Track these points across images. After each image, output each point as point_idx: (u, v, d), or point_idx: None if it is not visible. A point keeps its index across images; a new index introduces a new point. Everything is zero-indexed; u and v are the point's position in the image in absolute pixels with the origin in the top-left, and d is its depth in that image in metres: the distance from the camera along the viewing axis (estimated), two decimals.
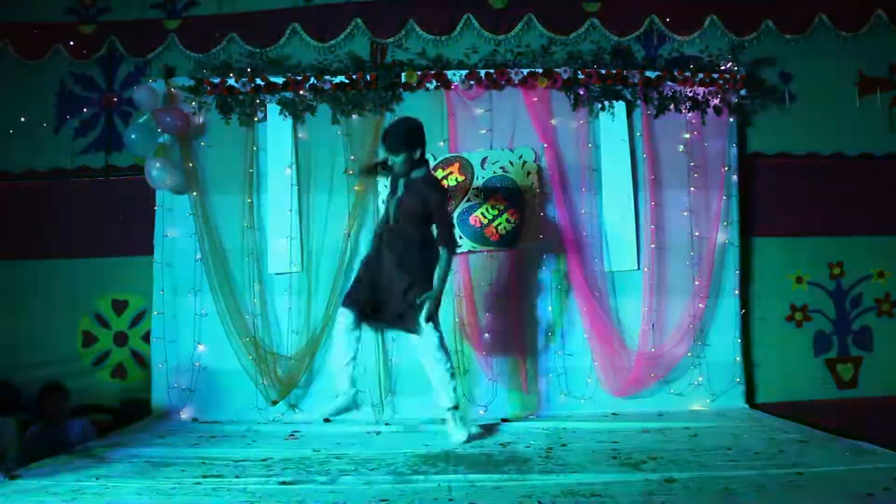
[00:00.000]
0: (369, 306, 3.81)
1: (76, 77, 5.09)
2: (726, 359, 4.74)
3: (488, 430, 4.06)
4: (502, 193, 4.73)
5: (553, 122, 4.82)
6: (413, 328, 3.75)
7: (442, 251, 3.78)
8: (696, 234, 4.80)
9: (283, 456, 3.60)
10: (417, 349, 3.87)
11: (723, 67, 4.84)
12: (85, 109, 5.07)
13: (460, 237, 4.70)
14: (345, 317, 3.76)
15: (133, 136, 4.66)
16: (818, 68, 5.00)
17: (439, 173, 4.74)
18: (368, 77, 4.75)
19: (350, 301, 3.81)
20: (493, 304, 4.69)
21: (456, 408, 3.86)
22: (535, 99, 4.81)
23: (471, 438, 3.80)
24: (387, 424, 4.40)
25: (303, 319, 4.66)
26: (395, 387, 4.64)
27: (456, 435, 3.78)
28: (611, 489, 2.85)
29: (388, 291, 3.78)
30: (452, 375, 3.88)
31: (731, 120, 4.88)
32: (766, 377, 4.86)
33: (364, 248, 4.70)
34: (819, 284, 4.98)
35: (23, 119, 5.07)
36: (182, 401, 4.68)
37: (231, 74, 4.80)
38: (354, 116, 4.80)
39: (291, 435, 4.20)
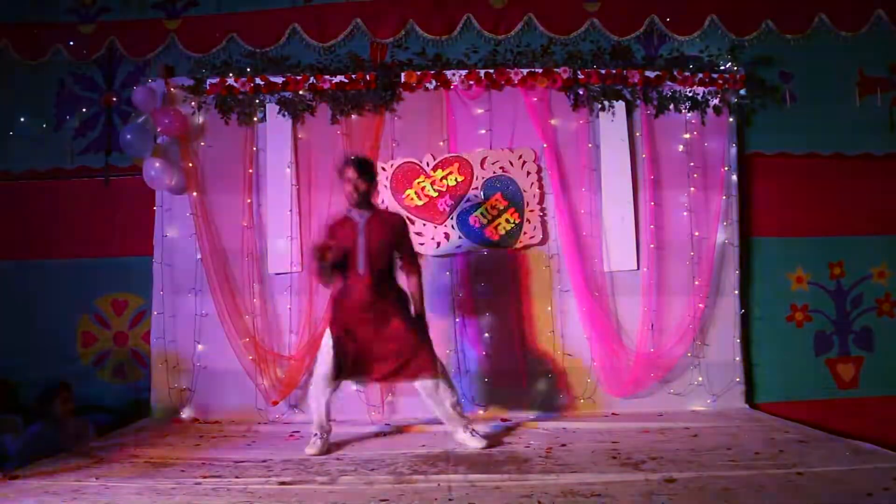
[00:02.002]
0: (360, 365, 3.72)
1: (76, 77, 5.09)
2: (726, 359, 4.74)
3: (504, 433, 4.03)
4: (502, 193, 4.73)
5: (553, 122, 4.82)
6: (429, 371, 3.68)
7: (415, 276, 3.86)
8: (696, 234, 4.80)
9: (283, 456, 3.60)
10: (424, 388, 3.74)
11: (723, 67, 4.85)
12: (85, 109, 5.07)
13: (460, 237, 4.71)
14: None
15: (129, 137, 4.66)
16: (818, 68, 5.00)
17: (439, 173, 4.75)
18: (368, 77, 4.75)
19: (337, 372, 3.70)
20: (494, 304, 4.69)
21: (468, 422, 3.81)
22: (535, 99, 4.81)
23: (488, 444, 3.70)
24: (387, 424, 4.40)
25: (303, 319, 4.66)
26: (396, 387, 4.64)
27: (474, 444, 3.70)
28: (611, 489, 2.86)
29: (385, 340, 3.68)
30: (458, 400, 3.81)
31: (731, 120, 4.88)
32: (766, 377, 4.86)
33: None
34: (819, 284, 4.98)
35: (23, 119, 5.07)
36: (182, 401, 4.68)
37: (231, 74, 4.80)
38: (354, 116, 4.80)
39: (291, 435, 4.20)
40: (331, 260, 3.64)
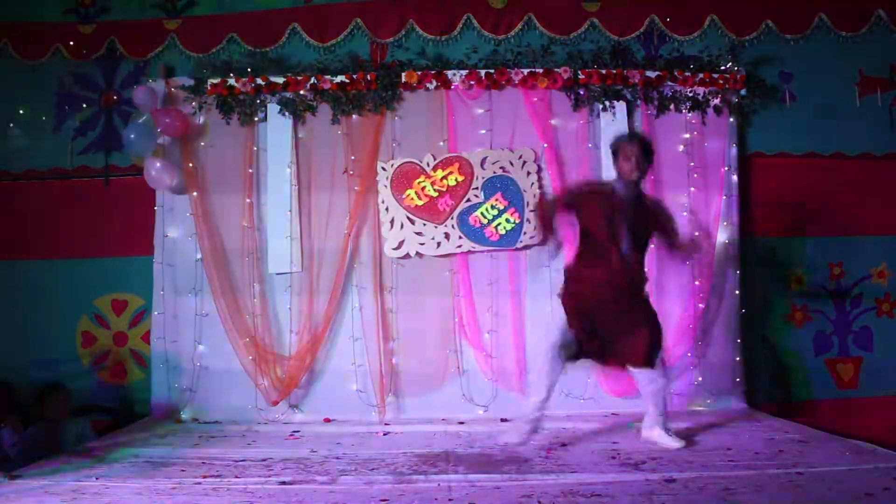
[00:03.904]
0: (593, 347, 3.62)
1: (76, 77, 5.08)
2: (726, 359, 4.74)
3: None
4: (502, 193, 4.73)
5: (553, 122, 4.82)
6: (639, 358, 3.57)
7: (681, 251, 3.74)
8: (696, 234, 4.78)
9: (283, 456, 3.60)
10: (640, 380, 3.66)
11: (723, 67, 4.85)
12: (85, 108, 5.06)
13: (460, 237, 4.71)
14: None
15: (132, 137, 4.66)
16: (818, 68, 5.00)
17: (439, 173, 4.75)
18: (368, 77, 4.75)
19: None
20: (493, 304, 4.69)
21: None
22: (535, 99, 4.81)
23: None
24: (386, 424, 4.40)
25: (303, 319, 4.66)
26: (396, 387, 4.65)
27: (669, 443, 3.60)
28: (611, 489, 2.86)
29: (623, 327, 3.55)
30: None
31: (731, 120, 4.88)
32: (766, 377, 4.85)
33: (365, 248, 4.74)
34: (819, 284, 4.98)
35: (23, 119, 5.06)
36: (182, 401, 4.68)
37: (231, 74, 4.80)
38: (354, 116, 4.80)
39: (291, 435, 4.20)
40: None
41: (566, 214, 3.74)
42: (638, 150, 3.56)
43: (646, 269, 3.77)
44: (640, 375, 3.63)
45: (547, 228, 3.76)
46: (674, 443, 3.59)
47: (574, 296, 3.63)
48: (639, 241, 3.61)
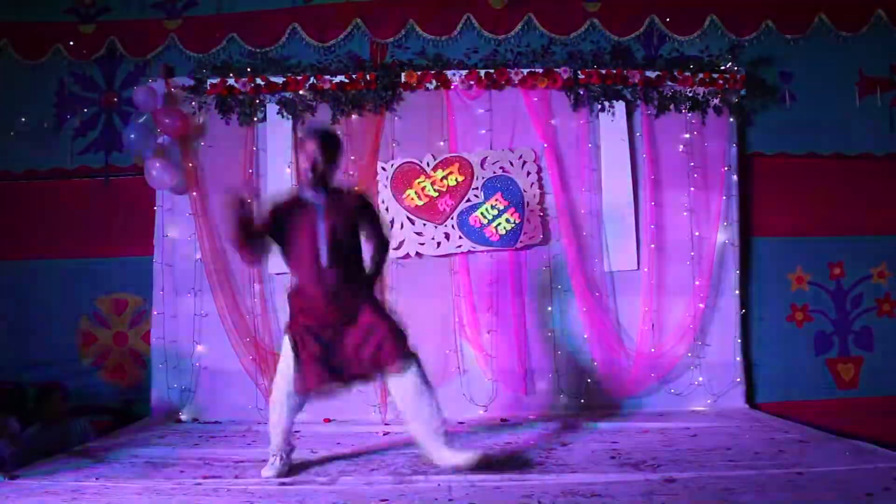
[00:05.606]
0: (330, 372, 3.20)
1: (76, 77, 5.09)
2: (726, 359, 4.74)
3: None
4: (502, 193, 4.73)
5: (553, 122, 4.82)
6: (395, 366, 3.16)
7: (378, 255, 3.40)
8: (696, 234, 4.80)
9: None
10: (399, 390, 3.22)
11: (723, 67, 4.85)
12: (85, 109, 5.06)
13: (460, 237, 4.71)
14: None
15: (132, 137, 4.67)
16: (818, 68, 5.00)
17: (439, 173, 4.75)
18: (368, 77, 4.75)
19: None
20: (493, 304, 4.69)
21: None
22: (535, 99, 4.81)
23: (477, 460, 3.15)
24: (386, 424, 4.40)
25: None
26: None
27: (462, 458, 3.16)
28: (611, 489, 2.85)
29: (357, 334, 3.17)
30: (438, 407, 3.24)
31: (731, 120, 4.89)
32: (766, 377, 4.86)
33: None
34: (819, 284, 4.98)
35: (23, 119, 5.06)
36: (182, 401, 4.68)
37: (231, 74, 4.80)
38: (354, 116, 4.80)
39: None
40: (251, 223, 3.14)
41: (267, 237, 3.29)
42: (315, 145, 3.17)
43: (363, 270, 3.34)
44: (402, 377, 3.16)
45: (250, 245, 3.24)
46: (467, 455, 3.14)
47: (298, 324, 3.22)
48: (345, 245, 3.21)
